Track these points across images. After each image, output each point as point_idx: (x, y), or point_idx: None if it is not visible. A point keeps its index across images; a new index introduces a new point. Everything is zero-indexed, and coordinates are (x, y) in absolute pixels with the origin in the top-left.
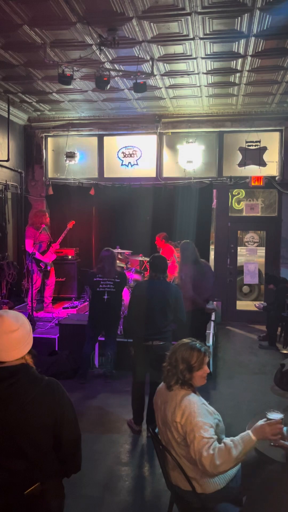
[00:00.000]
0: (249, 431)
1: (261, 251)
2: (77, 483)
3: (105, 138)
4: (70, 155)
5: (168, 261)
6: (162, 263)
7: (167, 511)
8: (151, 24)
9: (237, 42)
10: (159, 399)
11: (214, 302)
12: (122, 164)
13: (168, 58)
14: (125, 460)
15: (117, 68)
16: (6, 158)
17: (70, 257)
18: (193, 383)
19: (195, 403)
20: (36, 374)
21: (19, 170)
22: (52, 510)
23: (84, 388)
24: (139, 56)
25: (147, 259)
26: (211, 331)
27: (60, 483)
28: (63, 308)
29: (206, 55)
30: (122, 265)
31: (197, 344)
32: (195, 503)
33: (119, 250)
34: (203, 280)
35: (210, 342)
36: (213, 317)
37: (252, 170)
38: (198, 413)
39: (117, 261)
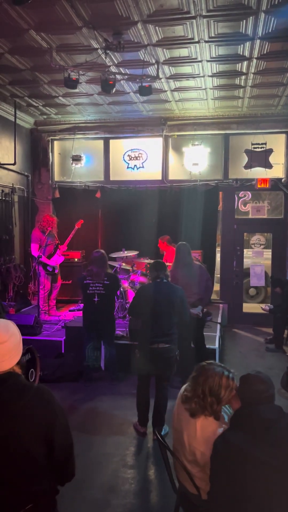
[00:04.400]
0: None
1: (268, 253)
2: (82, 485)
3: (111, 141)
4: (76, 158)
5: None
6: (160, 263)
7: None
8: (156, 27)
9: (242, 45)
10: (176, 409)
11: (220, 305)
12: (128, 167)
13: (173, 61)
14: (131, 463)
15: (123, 72)
16: (13, 162)
17: (76, 259)
18: (219, 411)
19: None
20: (25, 381)
21: (26, 174)
22: None
23: (90, 390)
24: (145, 60)
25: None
26: (217, 334)
27: (53, 503)
28: (70, 310)
29: (211, 58)
30: (128, 267)
31: (225, 372)
32: (202, 507)
33: (125, 253)
34: (192, 284)
35: (216, 344)
36: (219, 320)
37: (258, 172)
38: None
39: (124, 263)
